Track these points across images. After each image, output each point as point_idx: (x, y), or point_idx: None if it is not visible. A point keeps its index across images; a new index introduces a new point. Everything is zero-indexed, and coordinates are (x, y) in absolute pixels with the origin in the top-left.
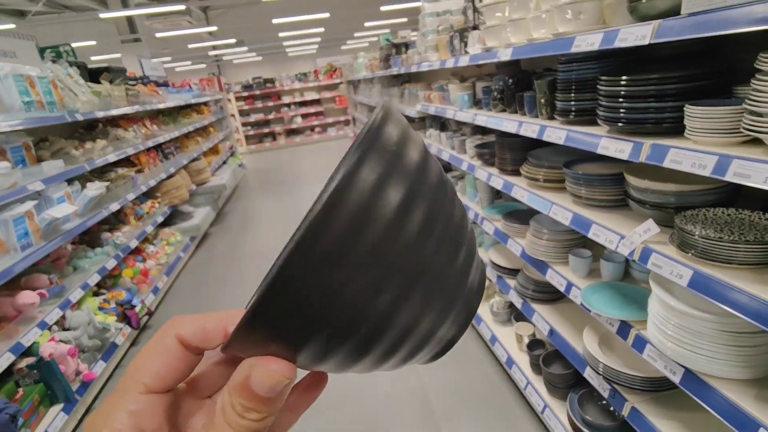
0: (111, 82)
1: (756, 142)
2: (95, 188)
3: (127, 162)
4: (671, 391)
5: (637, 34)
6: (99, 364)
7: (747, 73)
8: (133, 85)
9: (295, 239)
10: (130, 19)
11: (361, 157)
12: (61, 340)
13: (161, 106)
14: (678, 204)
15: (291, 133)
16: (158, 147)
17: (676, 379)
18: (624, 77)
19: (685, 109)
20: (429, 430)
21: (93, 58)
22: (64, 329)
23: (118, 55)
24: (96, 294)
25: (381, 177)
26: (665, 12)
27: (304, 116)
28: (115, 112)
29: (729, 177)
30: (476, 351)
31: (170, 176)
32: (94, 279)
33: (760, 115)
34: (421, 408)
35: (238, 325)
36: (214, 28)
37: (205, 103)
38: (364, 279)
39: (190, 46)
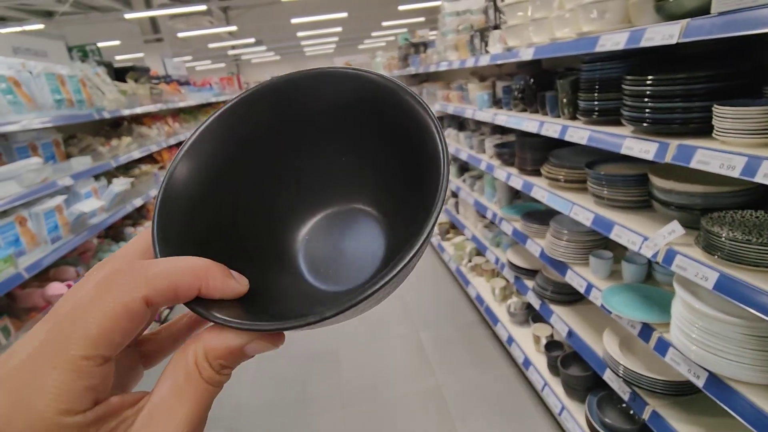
0: (136, 81)
1: None
2: (121, 184)
3: (150, 159)
4: (693, 395)
5: (664, 34)
6: None
7: None
8: (157, 84)
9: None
10: (153, 20)
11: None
12: None
13: (183, 104)
14: (704, 205)
15: None
16: (180, 144)
17: (699, 383)
18: (650, 77)
19: (713, 109)
20: (445, 431)
21: (117, 57)
22: None
23: (140, 55)
24: None
25: None
26: (693, 11)
27: None
28: (139, 110)
29: (759, 178)
30: (492, 352)
31: None
32: None
33: None
34: (436, 408)
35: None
36: (234, 28)
37: (225, 102)
38: None
39: (210, 45)
